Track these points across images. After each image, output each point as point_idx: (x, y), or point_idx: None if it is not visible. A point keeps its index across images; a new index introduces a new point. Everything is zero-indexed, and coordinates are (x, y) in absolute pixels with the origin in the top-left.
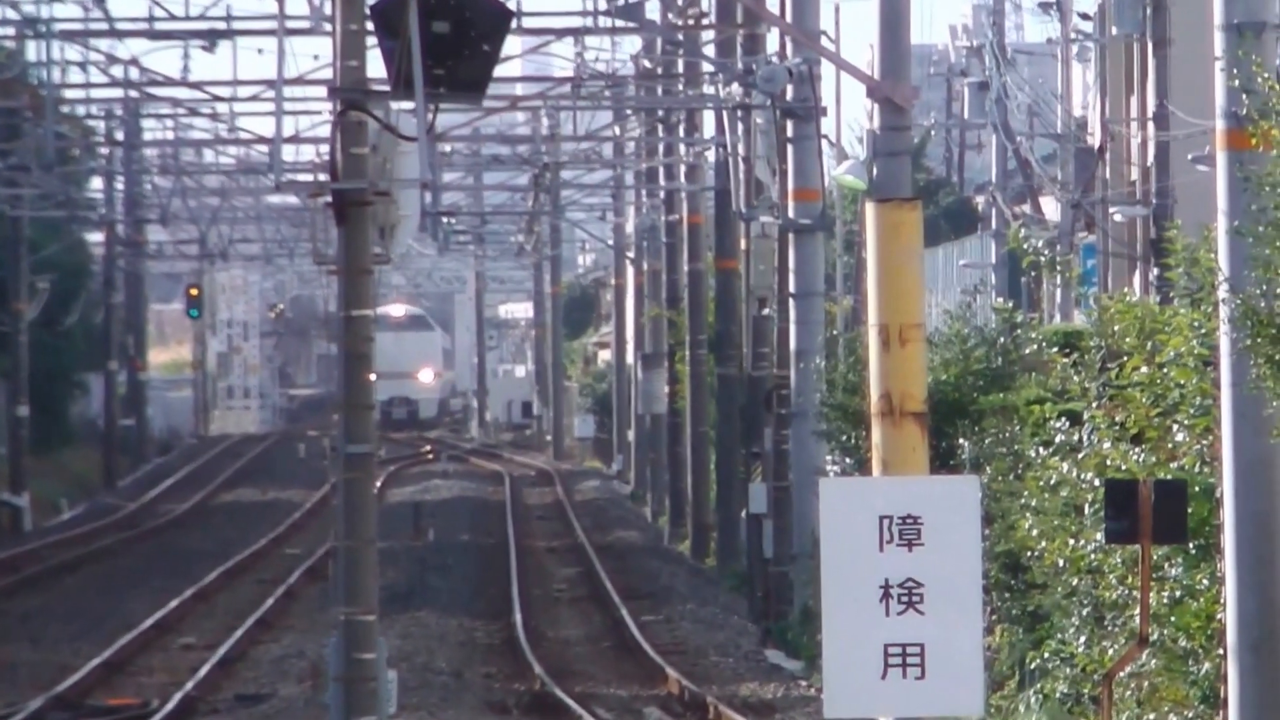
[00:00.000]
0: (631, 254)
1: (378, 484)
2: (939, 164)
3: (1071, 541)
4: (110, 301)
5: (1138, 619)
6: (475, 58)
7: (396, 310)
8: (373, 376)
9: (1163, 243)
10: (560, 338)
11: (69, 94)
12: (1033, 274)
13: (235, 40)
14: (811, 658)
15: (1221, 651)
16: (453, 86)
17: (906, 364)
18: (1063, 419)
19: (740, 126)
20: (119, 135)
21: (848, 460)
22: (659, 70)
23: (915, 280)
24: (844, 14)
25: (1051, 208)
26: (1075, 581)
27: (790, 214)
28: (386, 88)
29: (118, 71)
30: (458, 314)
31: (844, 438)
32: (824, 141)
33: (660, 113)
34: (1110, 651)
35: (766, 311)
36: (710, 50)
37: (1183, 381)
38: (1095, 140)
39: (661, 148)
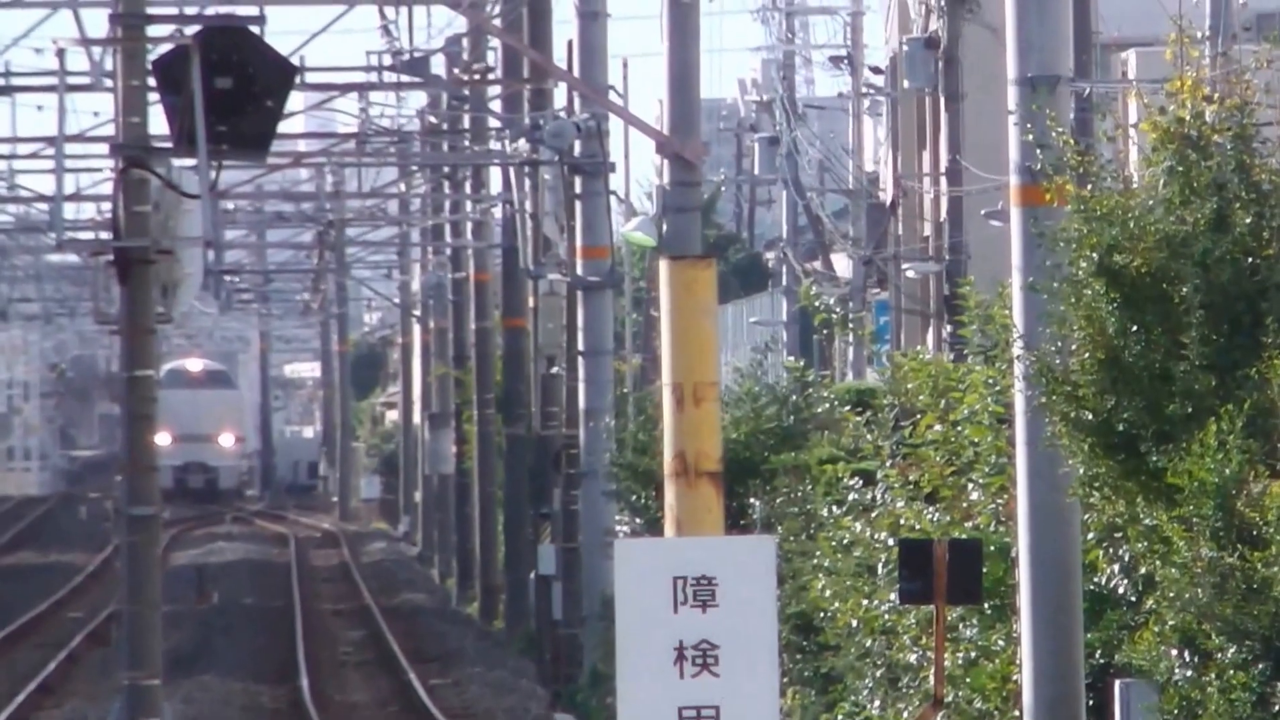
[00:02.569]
0: (418, 312)
1: (162, 546)
2: (729, 220)
3: (865, 602)
4: None
5: (932, 680)
6: (258, 114)
7: (194, 365)
8: (166, 439)
9: (956, 299)
10: (348, 397)
11: None
12: (824, 331)
13: (14, 96)
14: None
15: (1017, 713)
16: (236, 143)
17: (701, 423)
18: (856, 478)
19: (528, 183)
20: None
21: (638, 520)
22: (445, 126)
23: (709, 338)
24: (632, 69)
25: (843, 264)
26: (869, 643)
27: (579, 271)
28: (169, 144)
29: None
30: (241, 374)
31: (634, 498)
32: (613, 198)
33: (446, 169)
34: (905, 714)
35: (555, 370)
36: (496, 105)
37: (977, 439)
38: (887, 196)
39: (448, 204)
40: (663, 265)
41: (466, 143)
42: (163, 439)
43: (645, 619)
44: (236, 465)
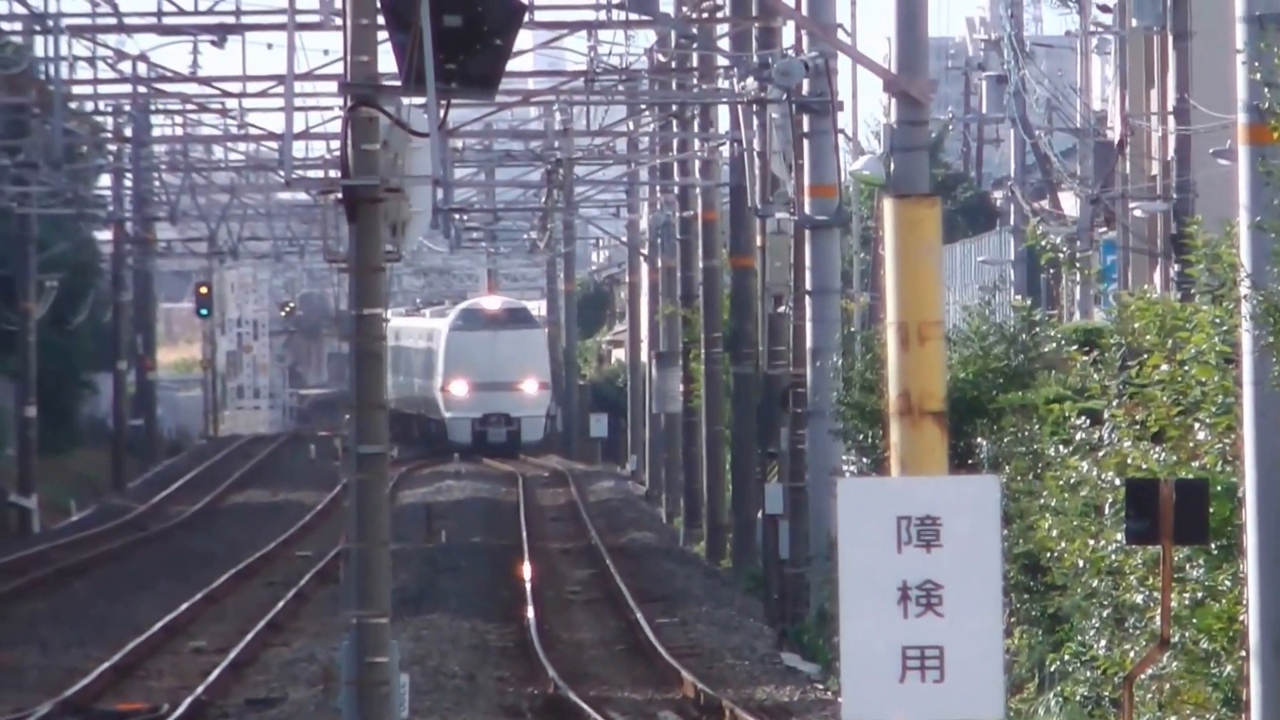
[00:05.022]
0: (646, 251)
1: (390, 485)
2: (957, 159)
3: (1091, 542)
4: (119, 300)
5: (1159, 621)
6: (487, 52)
7: (491, 304)
8: (464, 388)
9: (1183, 238)
10: (574, 336)
11: (77, 90)
12: (1052, 270)
13: (245, 35)
14: (828, 661)
15: (1244, 654)
16: (465, 82)
17: (925, 362)
18: (1082, 417)
19: (755, 121)
20: (127, 131)
21: (865, 460)
22: (673, 64)
23: (934, 277)
24: (860, 7)
25: (1071, 203)
26: (1095, 583)
27: (806, 210)
28: (397, 83)
29: (126, 67)
30: None
31: (861, 437)
32: (840, 136)
33: (674, 107)
34: (1131, 654)
35: (782, 309)
36: (725, 44)
37: (1204, 379)
38: (1115, 134)
39: (676, 143)
40: (887, 204)
41: (695, 81)
42: (460, 388)
43: (869, 559)
44: (541, 416)
